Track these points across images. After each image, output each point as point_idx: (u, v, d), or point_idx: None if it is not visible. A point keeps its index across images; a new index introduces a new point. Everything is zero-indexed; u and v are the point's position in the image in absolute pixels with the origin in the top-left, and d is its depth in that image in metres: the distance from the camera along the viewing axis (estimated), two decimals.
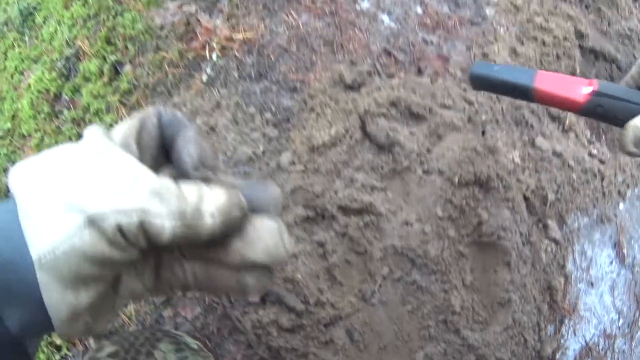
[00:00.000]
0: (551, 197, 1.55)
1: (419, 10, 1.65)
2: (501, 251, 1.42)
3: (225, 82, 1.48)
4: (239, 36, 1.53)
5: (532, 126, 1.60)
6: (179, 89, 1.51)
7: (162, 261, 0.47)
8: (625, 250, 1.71)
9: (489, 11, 1.76)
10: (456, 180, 1.36)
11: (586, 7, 2.09)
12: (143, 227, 0.39)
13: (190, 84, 1.50)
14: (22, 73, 1.83)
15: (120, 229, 0.39)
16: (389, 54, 1.51)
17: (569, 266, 1.58)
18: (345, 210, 1.29)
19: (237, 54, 1.51)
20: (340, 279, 1.27)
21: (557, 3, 1.97)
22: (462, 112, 1.48)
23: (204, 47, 1.56)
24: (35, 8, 1.91)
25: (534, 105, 1.64)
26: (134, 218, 0.39)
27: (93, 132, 0.44)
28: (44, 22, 1.89)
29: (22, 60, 1.86)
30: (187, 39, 1.59)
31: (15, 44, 1.91)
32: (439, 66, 1.53)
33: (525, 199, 1.50)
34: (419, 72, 1.51)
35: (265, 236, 0.44)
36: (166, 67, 1.56)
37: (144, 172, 0.41)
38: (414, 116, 1.41)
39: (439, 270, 1.32)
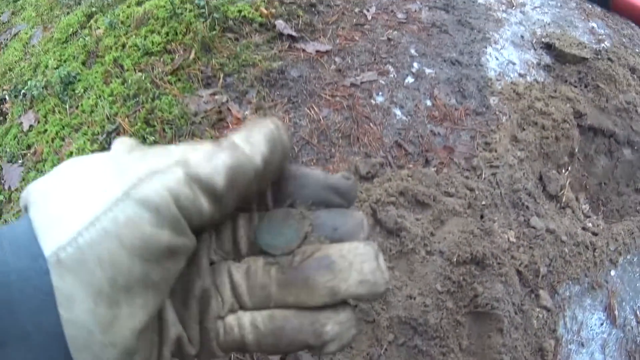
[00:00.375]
0: (543, 270, 1.78)
1: (429, 102, 1.93)
2: (495, 319, 1.66)
3: None
4: None
5: (527, 207, 1.84)
6: None
7: (208, 312, 0.37)
8: (616, 312, 1.90)
9: (492, 100, 2.02)
10: (455, 259, 1.62)
11: (585, 86, 2.32)
12: (191, 184, 0.31)
13: None
14: (62, 139, 1.95)
15: (166, 194, 0.30)
16: (400, 146, 1.79)
17: (560, 330, 1.79)
18: None
19: None
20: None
21: (557, 86, 2.21)
22: (464, 199, 1.73)
23: None
24: (75, 77, 2.10)
25: (531, 188, 1.88)
26: (178, 172, 0.31)
27: (123, 140, 0.36)
28: (84, 93, 2.05)
29: (63, 126, 1.98)
30: (219, 127, 1.84)
31: (55, 110, 2.05)
32: (444, 157, 1.80)
33: (519, 273, 1.74)
34: (427, 162, 1.78)
35: (359, 262, 0.35)
36: None
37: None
38: (420, 204, 1.68)
39: (438, 336, 1.58)
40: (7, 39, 2.67)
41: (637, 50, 2.69)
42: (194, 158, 0.32)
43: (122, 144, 0.35)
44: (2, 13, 2.92)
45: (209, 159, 0.33)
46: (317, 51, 2.04)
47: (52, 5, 2.68)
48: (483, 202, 1.77)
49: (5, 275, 0.28)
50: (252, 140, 0.35)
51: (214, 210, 0.33)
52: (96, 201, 0.29)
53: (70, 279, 0.28)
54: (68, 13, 2.54)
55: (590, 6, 2.86)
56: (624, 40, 2.71)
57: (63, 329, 0.28)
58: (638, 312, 1.93)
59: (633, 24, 2.88)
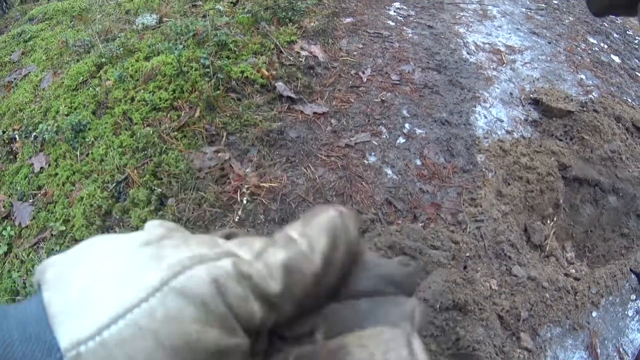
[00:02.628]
0: (524, 314, 1.94)
1: (418, 162, 2.13)
2: None
3: (254, 223, 1.85)
4: (266, 185, 1.92)
5: (510, 257, 2.01)
6: (215, 226, 1.82)
7: None
8: (598, 350, 2.02)
9: (479, 158, 2.20)
10: (438, 306, 1.80)
11: (571, 138, 2.49)
12: (241, 280, 0.28)
13: (225, 223, 1.84)
14: (73, 184, 2.03)
15: (213, 287, 0.27)
16: (390, 203, 1.99)
17: None
18: None
19: (263, 199, 1.90)
20: None
21: (543, 141, 2.39)
22: (448, 251, 1.92)
23: (236, 191, 1.88)
24: (85, 126, 2.18)
25: (514, 239, 2.05)
26: (228, 265, 0.28)
27: (158, 223, 0.33)
28: (94, 142, 2.12)
29: (74, 172, 2.06)
30: (222, 183, 1.92)
31: (67, 155, 2.12)
32: (431, 213, 1.99)
33: (500, 317, 1.91)
34: (415, 218, 1.97)
35: (381, 352, 0.29)
36: (205, 205, 1.84)
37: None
38: (407, 257, 1.87)
39: None
40: (17, 79, 2.77)
41: (624, 98, 2.84)
42: (244, 254, 0.30)
43: (156, 227, 0.31)
44: (12, 52, 3.01)
45: (260, 256, 0.30)
46: (315, 113, 2.22)
47: (62, 50, 2.79)
48: (467, 254, 1.95)
49: None
50: (310, 233, 0.32)
51: (267, 316, 0.30)
52: (127, 290, 0.26)
53: None
54: (77, 60, 2.65)
55: (579, 57, 3.04)
56: (612, 89, 2.87)
57: None
58: (621, 349, 2.05)
59: (622, 72, 3.05)
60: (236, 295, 0.27)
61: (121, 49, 2.55)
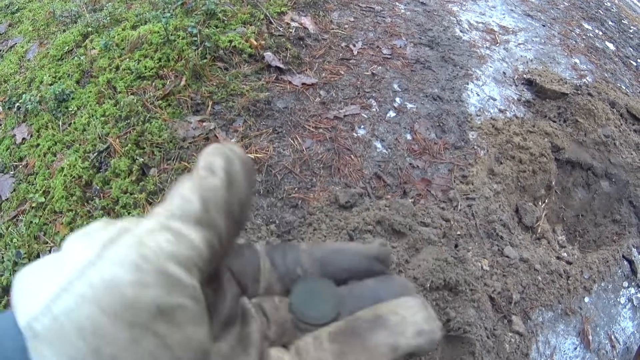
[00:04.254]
0: (516, 297, 1.87)
1: (409, 136, 2.04)
2: (467, 343, 1.75)
3: None
4: (251, 155, 1.86)
5: (502, 237, 1.94)
6: None
7: None
8: (590, 337, 1.97)
9: (471, 135, 2.12)
10: (428, 285, 1.71)
11: (564, 120, 2.42)
12: (167, 225, 0.29)
13: None
14: (54, 154, 1.99)
15: (143, 247, 0.28)
16: (379, 177, 1.90)
17: (533, 354, 1.87)
18: None
19: None
20: None
21: (537, 121, 2.32)
22: (439, 229, 1.84)
23: None
24: (69, 95, 2.14)
25: (506, 220, 1.98)
26: (149, 222, 0.29)
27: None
28: (77, 111, 2.08)
29: (55, 142, 2.02)
30: None
31: (49, 125, 2.09)
32: (422, 189, 1.90)
33: (491, 299, 1.84)
34: (404, 194, 1.88)
35: (411, 315, 0.35)
36: None
37: None
38: (396, 233, 1.78)
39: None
40: (4, 51, 2.73)
41: (618, 85, 2.79)
42: (158, 209, 0.30)
43: (96, 223, 0.32)
44: None
45: (171, 199, 0.31)
46: (303, 84, 2.14)
47: (48, 21, 2.74)
48: (458, 232, 1.87)
49: None
50: (203, 162, 0.33)
51: (210, 239, 0.31)
52: (69, 267, 0.27)
53: (49, 353, 0.25)
54: (64, 30, 2.59)
55: (574, 42, 2.98)
56: (606, 75, 2.81)
57: None
58: (613, 337, 2.00)
59: (617, 59, 3.00)
60: (167, 242, 0.28)
61: (108, 18, 2.48)
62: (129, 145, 1.88)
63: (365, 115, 2.05)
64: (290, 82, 2.14)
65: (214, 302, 0.35)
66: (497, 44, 2.71)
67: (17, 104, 2.22)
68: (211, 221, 0.31)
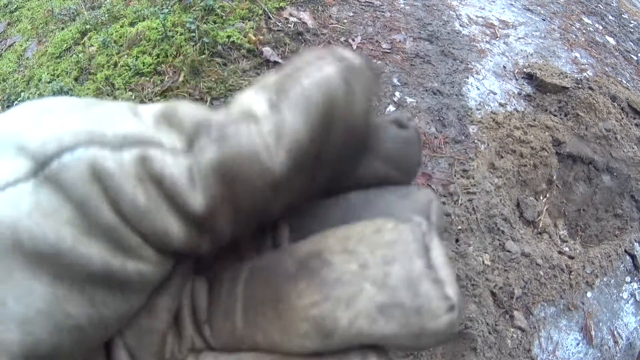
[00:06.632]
0: (518, 292, 1.85)
1: None
2: (468, 338, 1.73)
3: None
4: None
5: (503, 232, 1.92)
6: None
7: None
8: (593, 333, 1.95)
9: (472, 129, 2.11)
10: None
11: (565, 114, 2.41)
12: (150, 180, 0.18)
13: None
14: None
15: (100, 185, 0.17)
16: None
17: (535, 350, 1.85)
18: None
19: None
20: None
21: (537, 115, 2.30)
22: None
23: None
24: (67, 93, 2.12)
25: (507, 214, 1.96)
26: (129, 159, 0.18)
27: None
28: None
29: None
30: None
31: None
32: (422, 183, 1.89)
33: (493, 294, 1.82)
34: None
35: (381, 263, 0.18)
36: None
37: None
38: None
39: (412, 354, 1.65)
40: (2, 50, 2.72)
41: (619, 79, 2.77)
42: (168, 140, 0.18)
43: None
44: None
45: (191, 146, 0.18)
46: None
47: (47, 19, 2.73)
48: (459, 227, 1.85)
49: None
50: (283, 106, 0.18)
51: (194, 241, 0.19)
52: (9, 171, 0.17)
53: None
54: (62, 28, 2.58)
55: (574, 36, 2.96)
56: (606, 69, 2.80)
57: None
58: (615, 333, 1.98)
59: (617, 53, 2.99)
60: (133, 205, 0.18)
61: (106, 15, 2.47)
62: None
63: None
64: None
65: None
66: (497, 38, 2.69)
67: (16, 103, 2.17)
68: (212, 228, 0.20)
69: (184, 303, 0.23)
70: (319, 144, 0.18)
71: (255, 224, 0.21)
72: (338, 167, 0.21)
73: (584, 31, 3.08)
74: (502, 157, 2.10)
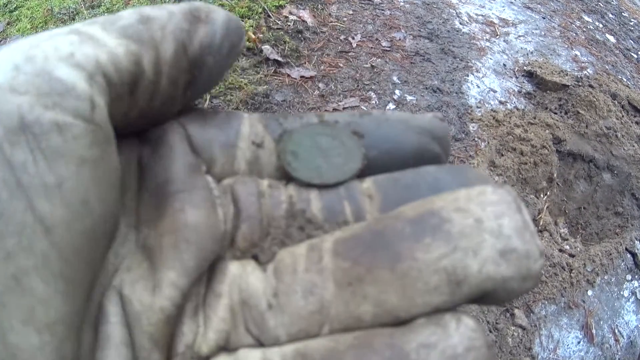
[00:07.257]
0: None
1: None
2: None
3: None
4: None
5: None
6: None
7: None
8: (593, 331, 1.94)
9: (472, 127, 2.10)
10: None
11: (565, 112, 2.40)
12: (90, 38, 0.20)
13: None
14: None
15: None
16: None
17: (536, 348, 1.84)
18: None
19: None
20: None
21: (537, 113, 2.30)
22: None
23: None
24: None
25: None
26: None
27: None
28: None
29: None
30: None
31: None
32: None
33: None
34: None
35: (493, 218, 0.19)
36: None
37: None
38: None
39: None
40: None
41: (620, 77, 2.77)
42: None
43: None
44: None
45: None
46: (302, 77, 2.12)
47: (46, 19, 2.72)
48: None
49: None
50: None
51: (134, 50, 0.21)
52: None
53: None
54: None
55: (574, 34, 2.96)
56: (607, 67, 2.79)
57: None
58: (616, 331, 1.97)
59: (617, 52, 2.98)
60: (67, 43, 0.19)
61: (106, 14, 2.42)
62: None
63: (364, 108, 2.03)
64: (288, 75, 2.12)
65: (149, 165, 0.23)
66: (497, 36, 2.69)
67: None
68: (149, 37, 0.22)
69: (222, 290, 0.21)
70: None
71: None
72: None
73: (584, 29, 3.08)
74: (502, 155, 2.09)
